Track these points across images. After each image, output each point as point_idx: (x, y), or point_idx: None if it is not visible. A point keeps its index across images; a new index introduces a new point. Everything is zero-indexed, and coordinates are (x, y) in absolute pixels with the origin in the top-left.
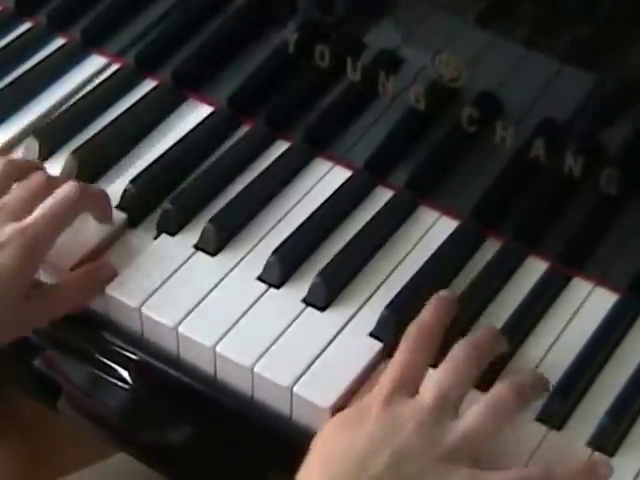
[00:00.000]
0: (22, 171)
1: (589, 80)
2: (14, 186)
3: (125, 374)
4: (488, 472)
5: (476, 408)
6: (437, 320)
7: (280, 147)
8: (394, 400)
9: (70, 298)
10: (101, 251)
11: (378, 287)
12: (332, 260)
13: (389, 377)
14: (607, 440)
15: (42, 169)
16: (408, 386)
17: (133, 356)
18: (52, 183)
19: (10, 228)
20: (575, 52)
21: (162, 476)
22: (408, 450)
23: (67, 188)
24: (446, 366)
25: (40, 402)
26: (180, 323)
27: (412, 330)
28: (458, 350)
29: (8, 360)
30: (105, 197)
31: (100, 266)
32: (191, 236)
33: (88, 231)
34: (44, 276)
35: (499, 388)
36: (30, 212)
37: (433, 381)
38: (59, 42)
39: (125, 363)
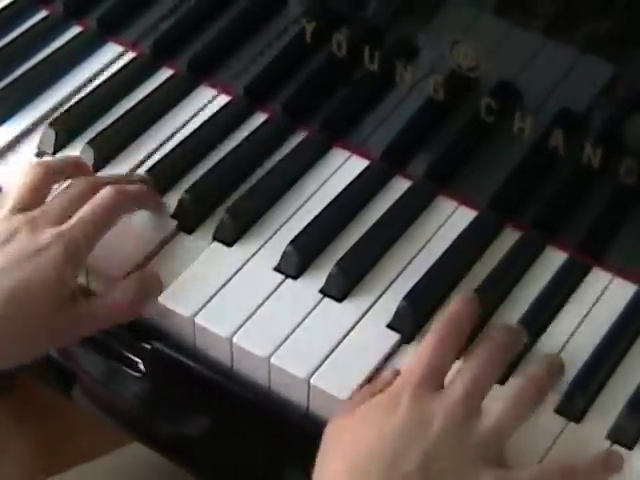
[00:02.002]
0: (62, 172)
1: (608, 70)
2: (55, 187)
3: (140, 364)
4: (512, 470)
5: (499, 405)
6: (466, 313)
7: (297, 137)
8: (422, 393)
9: (118, 307)
10: None
11: (396, 278)
12: (349, 251)
13: (418, 368)
14: (627, 433)
15: (81, 165)
16: (436, 378)
17: (149, 346)
18: (95, 186)
19: (50, 232)
20: (594, 42)
21: (177, 466)
22: (438, 448)
23: (105, 193)
24: (473, 364)
25: (55, 390)
26: (197, 313)
27: (441, 321)
28: (483, 350)
29: None
30: (150, 195)
31: (149, 277)
32: (208, 226)
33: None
34: (96, 285)
35: (519, 382)
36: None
37: (462, 378)
38: (75, 30)
39: (141, 353)
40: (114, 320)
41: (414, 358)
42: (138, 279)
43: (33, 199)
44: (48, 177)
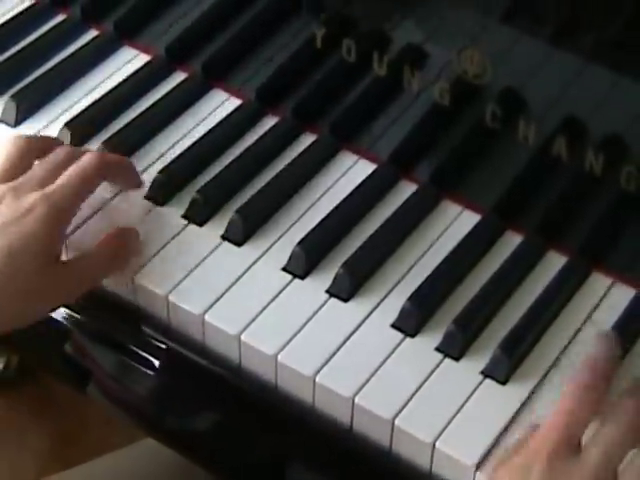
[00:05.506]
0: (42, 148)
1: (612, 78)
2: (36, 163)
3: (153, 361)
4: None
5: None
6: (609, 362)
7: (306, 140)
8: (559, 456)
9: (99, 265)
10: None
11: (401, 279)
12: (356, 252)
13: (555, 428)
14: None
15: (61, 144)
16: (574, 440)
17: (160, 344)
18: (74, 154)
19: (34, 195)
20: (599, 50)
21: (188, 461)
22: None
23: (88, 157)
24: (614, 424)
25: (71, 387)
26: (206, 311)
27: (583, 374)
28: (627, 407)
29: (41, 345)
30: (128, 164)
31: (125, 234)
32: (218, 226)
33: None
34: None
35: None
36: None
37: (601, 441)
38: (92, 34)
39: (153, 351)
40: (98, 277)
41: (551, 416)
42: (117, 234)
43: (16, 169)
44: (30, 148)
